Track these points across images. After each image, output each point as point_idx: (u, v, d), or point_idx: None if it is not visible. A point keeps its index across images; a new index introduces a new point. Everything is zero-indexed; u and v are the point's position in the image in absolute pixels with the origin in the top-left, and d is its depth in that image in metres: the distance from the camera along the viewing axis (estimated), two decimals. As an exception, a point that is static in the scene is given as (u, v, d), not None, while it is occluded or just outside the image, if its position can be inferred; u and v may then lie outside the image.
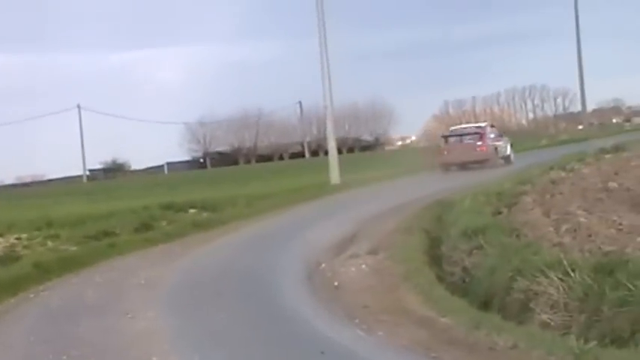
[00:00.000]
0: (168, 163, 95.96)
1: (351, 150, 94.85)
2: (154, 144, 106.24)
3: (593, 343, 8.30)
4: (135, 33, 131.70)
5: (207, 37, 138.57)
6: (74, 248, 18.89)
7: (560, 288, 9.88)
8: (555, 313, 9.73)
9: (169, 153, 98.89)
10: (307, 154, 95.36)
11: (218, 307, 11.63)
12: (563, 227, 13.57)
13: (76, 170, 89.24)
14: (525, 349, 8.30)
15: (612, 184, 18.79)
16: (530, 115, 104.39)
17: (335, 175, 33.76)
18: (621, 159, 27.33)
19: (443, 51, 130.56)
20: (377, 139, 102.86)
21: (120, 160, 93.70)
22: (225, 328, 10.49)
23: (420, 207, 20.37)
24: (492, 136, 37.18)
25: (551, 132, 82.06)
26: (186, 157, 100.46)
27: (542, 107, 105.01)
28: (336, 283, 12.84)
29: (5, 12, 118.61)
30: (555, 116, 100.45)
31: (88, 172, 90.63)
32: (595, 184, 19.43)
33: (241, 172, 64.45)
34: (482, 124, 40.77)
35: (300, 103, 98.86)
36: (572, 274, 9.92)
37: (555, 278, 10.04)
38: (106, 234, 20.57)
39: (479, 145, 35.57)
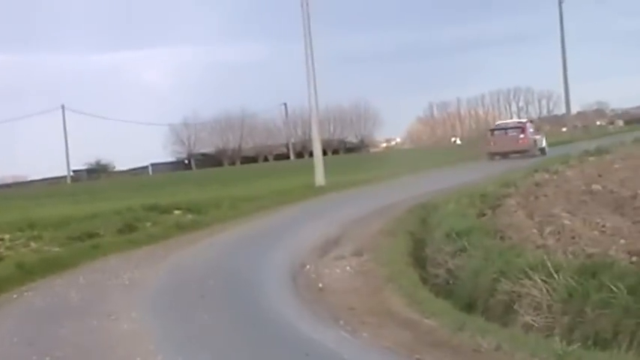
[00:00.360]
0: (153, 164, 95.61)
1: (336, 152, 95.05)
2: (139, 145, 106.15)
3: (576, 345, 8.35)
4: (120, 34, 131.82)
5: (192, 38, 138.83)
6: (58, 249, 18.73)
7: (544, 290, 9.91)
8: (539, 314, 9.77)
9: (154, 154, 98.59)
10: (292, 156, 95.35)
11: (202, 309, 11.59)
12: (547, 229, 13.62)
13: (60, 171, 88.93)
14: (509, 350, 8.34)
15: (596, 187, 18.87)
16: (515, 118, 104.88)
17: (320, 177, 33.79)
18: (605, 161, 27.51)
19: (428, 53, 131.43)
20: (362, 141, 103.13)
21: (104, 161, 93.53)
22: (209, 329, 10.45)
23: (405, 209, 20.43)
24: (532, 130, 42.85)
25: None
26: (171, 159, 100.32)
27: (527, 109, 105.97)
28: (320, 285, 12.83)
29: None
30: (539, 118, 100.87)
31: (72, 173, 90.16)
32: (579, 187, 19.52)
33: (226, 173, 64.28)
34: (523, 120, 48.77)
35: (285, 104, 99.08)
36: (555, 276, 9.96)
37: (539, 280, 10.08)
38: (90, 235, 20.39)
39: (521, 138, 40.86)
